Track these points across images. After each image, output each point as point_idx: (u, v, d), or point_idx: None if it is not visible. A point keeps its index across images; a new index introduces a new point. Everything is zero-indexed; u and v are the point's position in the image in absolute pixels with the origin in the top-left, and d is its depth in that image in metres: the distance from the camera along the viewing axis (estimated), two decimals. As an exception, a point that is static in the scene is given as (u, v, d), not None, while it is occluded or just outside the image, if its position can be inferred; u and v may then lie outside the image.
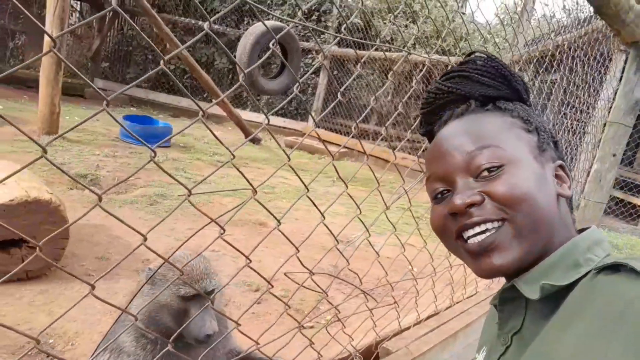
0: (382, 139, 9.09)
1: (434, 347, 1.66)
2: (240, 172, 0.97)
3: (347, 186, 1.32)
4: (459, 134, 0.80)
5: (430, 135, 0.92)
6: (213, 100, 8.64)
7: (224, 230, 0.94)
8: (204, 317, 1.18)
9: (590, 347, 0.58)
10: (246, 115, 9.29)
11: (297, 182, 6.13)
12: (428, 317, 1.86)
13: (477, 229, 0.75)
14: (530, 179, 0.74)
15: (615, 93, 3.97)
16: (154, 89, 10.58)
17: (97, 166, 5.02)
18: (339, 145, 9.12)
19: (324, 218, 1.20)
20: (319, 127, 9.91)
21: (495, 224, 0.73)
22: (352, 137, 1.47)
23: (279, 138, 9.24)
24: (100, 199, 0.77)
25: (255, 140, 8.11)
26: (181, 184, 0.88)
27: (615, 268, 0.63)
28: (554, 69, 3.20)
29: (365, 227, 1.30)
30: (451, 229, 0.79)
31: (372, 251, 1.44)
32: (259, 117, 9.89)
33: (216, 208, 4.49)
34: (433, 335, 1.73)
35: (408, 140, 8.92)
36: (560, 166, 0.81)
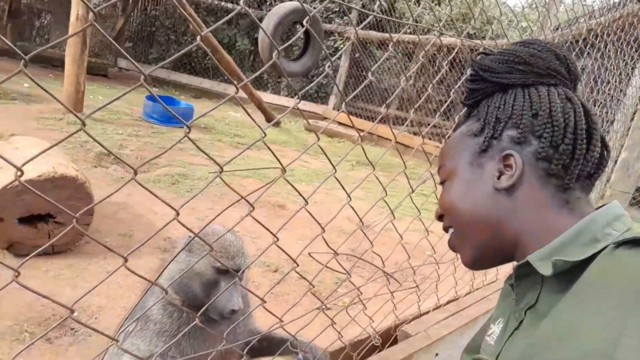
0: (405, 124, 9.01)
1: (453, 332, 1.65)
2: (271, 151, 0.97)
3: (374, 168, 1.31)
4: (440, 150, 0.95)
5: None
6: (235, 81, 8.65)
7: (253, 208, 0.94)
8: (232, 292, 1.21)
9: (607, 321, 0.57)
10: (267, 97, 9.28)
11: (315, 164, 6.13)
12: (448, 302, 1.85)
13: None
14: (457, 190, 0.85)
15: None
16: (176, 69, 10.62)
17: (120, 145, 5.09)
18: (360, 130, 9.06)
19: (350, 199, 1.19)
20: (339, 110, 9.86)
21: (450, 230, 0.89)
22: (380, 120, 1.45)
23: (298, 121, 9.24)
24: (135, 173, 0.78)
25: (275, 123, 8.10)
26: (214, 160, 0.88)
27: (635, 242, 0.62)
28: (586, 52, 3.10)
29: (390, 209, 1.29)
30: None
31: (392, 236, 1.44)
32: (279, 99, 9.88)
33: (237, 188, 4.51)
34: (452, 320, 1.72)
35: (431, 125, 8.83)
36: (508, 155, 0.80)
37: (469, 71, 0.93)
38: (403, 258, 1.85)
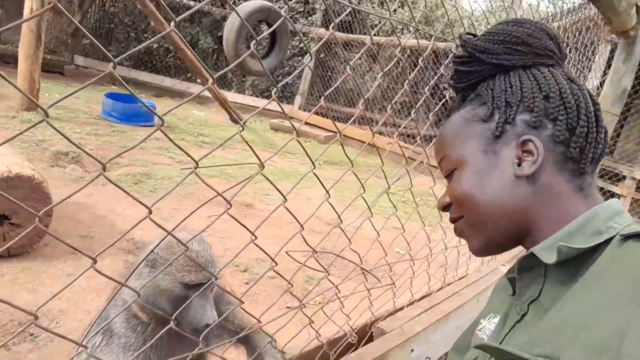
0: (365, 123, 9.07)
1: (426, 328, 1.66)
2: (249, 146, 0.94)
3: (352, 164, 1.29)
4: (436, 141, 0.91)
5: None
6: (198, 80, 8.49)
7: (231, 205, 0.91)
8: (205, 305, 1.15)
9: (615, 312, 0.57)
10: (231, 96, 9.15)
11: (282, 164, 6.08)
12: (421, 298, 1.86)
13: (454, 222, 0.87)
14: (471, 179, 0.81)
15: (601, 83, 4.01)
16: (137, 67, 10.32)
17: (79, 143, 4.88)
18: (325, 129, 9.04)
19: (329, 196, 1.17)
20: (304, 110, 9.83)
21: (458, 220, 0.85)
22: (348, 120, 1.43)
23: (264, 120, 9.16)
24: (104, 169, 0.73)
25: (239, 122, 8.00)
26: (189, 155, 0.84)
27: None
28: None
29: (368, 205, 1.28)
30: None
31: (363, 235, 1.43)
32: (244, 99, 9.77)
33: (205, 187, 4.43)
34: (426, 316, 1.73)
35: (394, 125, 8.95)
36: (527, 141, 0.77)
37: (456, 52, 0.90)
38: (376, 256, 1.85)
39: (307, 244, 1.11)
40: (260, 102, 9.91)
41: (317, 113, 10.02)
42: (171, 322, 0.92)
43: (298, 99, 10.11)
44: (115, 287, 0.89)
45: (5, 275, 2.36)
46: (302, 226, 1.07)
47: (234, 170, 5.24)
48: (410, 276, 1.73)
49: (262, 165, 0.96)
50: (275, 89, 0.98)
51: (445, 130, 0.88)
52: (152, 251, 1.13)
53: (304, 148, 1.08)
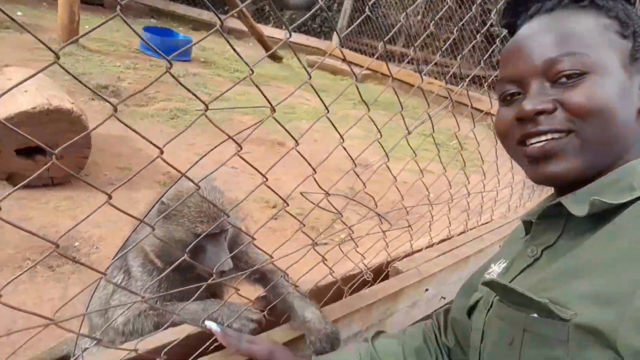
0: (408, 62, 8.77)
1: (444, 269, 1.69)
2: (258, 88, 0.94)
3: (369, 109, 1.27)
4: (543, 33, 0.74)
5: (512, 28, 0.86)
6: (235, 14, 8.32)
7: (241, 148, 0.93)
8: (219, 253, 1.18)
9: (632, 264, 0.57)
10: (268, 31, 8.98)
11: (317, 103, 6.04)
12: (441, 241, 1.88)
13: (543, 138, 0.72)
14: (613, 92, 0.69)
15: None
16: (174, 0, 10.21)
17: (118, 77, 4.99)
18: (363, 67, 8.84)
19: (343, 140, 1.17)
20: (343, 46, 9.57)
21: (562, 135, 0.71)
22: (377, 58, 1.40)
23: (300, 56, 9.00)
24: (115, 110, 0.75)
25: (277, 58, 7.90)
26: (199, 98, 0.85)
27: None
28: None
29: (385, 151, 1.28)
30: (515, 134, 0.77)
31: (390, 176, 1.43)
32: (281, 34, 9.56)
33: (235, 125, 4.49)
34: (444, 258, 1.75)
35: (436, 63, 8.60)
36: None
37: None
38: (400, 198, 1.86)
39: (320, 187, 1.13)
40: (298, 38, 9.69)
41: (355, 50, 9.75)
42: (185, 255, 0.96)
43: (336, 35, 9.82)
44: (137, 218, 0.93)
45: (50, 203, 2.53)
46: (314, 170, 1.08)
47: (266, 109, 5.25)
48: (429, 220, 1.74)
49: (273, 109, 0.95)
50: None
51: (563, 23, 0.74)
52: (166, 204, 1.16)
53: (316, 92, 1.07)
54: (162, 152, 0.85)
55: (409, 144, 1.41)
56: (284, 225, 2.91)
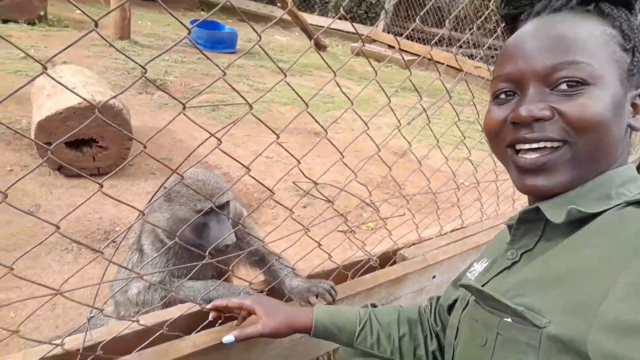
0: (458, 46, 8.55)
1: (453, 257, 1.71)
2: (288, 84, 1.01)
3: (421, 97, 1.32)
4: (548, 36, 0.72)
5: (512, 21, 0.84)
6: (278, 4, 8.43)
7: (278, 137, 1.01)
8: (222, 228, 1.28)
9: (602, 271, 0.59)
10: (313, 19, 9.02)
11: (358, 90, 6.04)
12: (453, 230, 1.90)
13: (535, 145, 0.72)
14: (610, 106, 0.68)
15: None
16: (224, -9, 10.45)
17: (165, 71, 5.24)
18: (408, 52, 8.64)
19: (368, 128, 1.23)
20: (389, 32, 9.46)
21: (555, 144, 0.70)
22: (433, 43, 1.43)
23: (346, 44, 8.99)
24: (184, 108, 0.87)
25: (321, 47, 7.94)
26: (243, 98, 0.94)
27: None
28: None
29: (406, 139, 1.32)
30: (505, 136, 0.76)
31: (427, 164, 1.47)
32: (327, 21, 9.58)
33: (274, 115, 4.61)
34: (454, 246, 1.77)
35: (489, 47, 8.30)
36: None
37: None
38: (435, 186, 1.87)
39: (306, 176, 1.20)
40: (344, 25, 9.68)
41: (400, 34, 9.60)
42: (176, 238, 1.06)
43: (382, 20, 9.72)
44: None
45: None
46: (298, 161, 1.15)
47: (306, 98, 5.33)
48: (441, 208, 1.76)
49: (250, 106, 1.02)
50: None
51: (570, 27, 0.72)
52: (166, 189, 1.28)
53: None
54: (220, 142, 0.94)
55: (431, 131, 1.44)
56: (313, 214, 3.00)
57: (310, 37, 7.66)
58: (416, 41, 9.09)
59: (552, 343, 0.62)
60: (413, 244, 1.74)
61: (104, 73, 4.63)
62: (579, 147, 0.69)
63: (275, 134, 1.02)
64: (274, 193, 1.15)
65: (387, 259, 1.69)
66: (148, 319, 1.19)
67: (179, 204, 1.29)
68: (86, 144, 2.81)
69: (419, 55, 8.23)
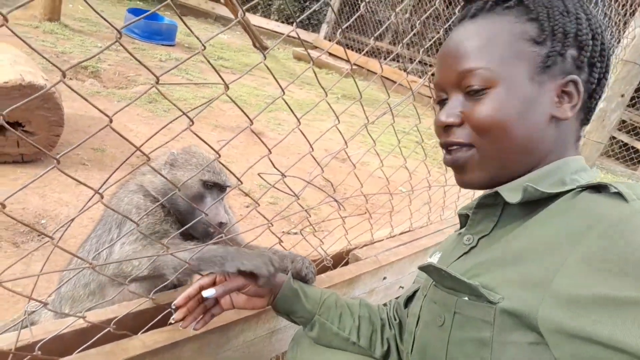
0: (393, 59, 8.80)
1: (402, 259, 1.74)
2: (213, 67, 0.96)
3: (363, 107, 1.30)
4: (460, 43, 0.76)
5: None
6: (221, 0, 8.27)
7: (193, 122, 0.95)
8: (218, 206, 1.25)
9: (554, 250, 0.61)
10: (255, 20, 8.93)
11: (299, 95, 6.05)
12: (402, 233, 1.93)
13: (449, 149, 0.79)
14: (512, 107, 0.71)
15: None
16: (163, -17, 10.07)
17: (98, 58, 4.93)
18: (349, 62, 8.83)
19: (300, 123, 1.20)
20: (330, 40, 9.57)
21: (465, 148, 0.77)
22: (371, 54, 1.42)
23: (287, 48, 8.98)
24: (64, 75, 0.77)
25: (263, 49, 7.87)
26: (221, 78, 0.87)
27: (599, 188, 0.64)
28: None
29: (345, 139, 1.31)
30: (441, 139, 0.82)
31: (367, 169, 1.46)
32: (269, 24, 9.53)
33: (215, 112, 4.48)
34: (404, 249, 1.80)
35: (420, 62, 8.64)
36: (573, 81, 0.73)
37: None
38: (371, 190, 1.89)
39: (276, 168, 1.16)
40: (286, 29, 9.65)
41: (342, 44, 9.73)
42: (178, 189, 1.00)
43: (324, 28, 9.82)
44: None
45: (19, 179, 2.50)
46: (269, 150, 1.11)
47: (248, 97, 5.25)
48: (391, 211, 1.78)
49: (227, 87, 0.98)
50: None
51: (475, 34, 0.75)
52: (174, 153, 1.22)
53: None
54: (111, 121, 0.86)
55: (370, 135, 1.44)
56: (256, 214, 2.93)
57: (252, 37, 7.56)
58: (356, 51, 9.27)
59: (505, 317, 0.64)
60: (365, 245, 1.74)
61: (30, 55, 4.27)
62: (484, 149, 0.75)
63: (190, 119, 0.96)
64: (241, 182, 1.10)
65: (340, 259, 1.68)
66: (92, 316, 1.08)
67: (184, 170, 1.26)
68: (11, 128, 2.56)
69: (359, 66, 8.38)
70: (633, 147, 6.25)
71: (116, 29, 0.78)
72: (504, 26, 0.73)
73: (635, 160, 6.21)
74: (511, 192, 0.74)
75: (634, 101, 6.34)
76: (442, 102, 0.83)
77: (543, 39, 0.72)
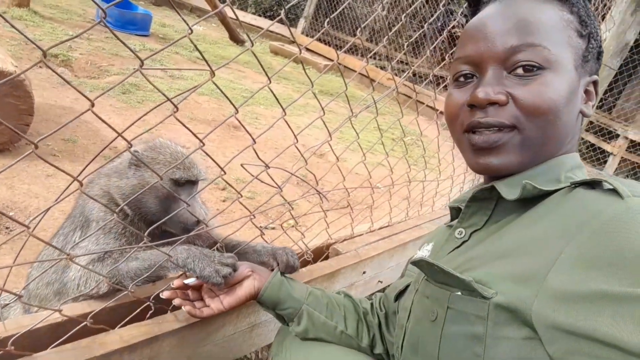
0: (372, 56, 8.83)
1: (382, 254, 1.74)
2: (197, 48, 0.93)
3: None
4: (507, 19, 0.72)
5: (475, 4, 0.84)
6: (198, -8, 8.13)
7: (177, 109, 0.92)
8: (193, 204, 1.17)
9: (549, 245, 0.60)
10: (232, 12, 8.80)
11: (277, 89, 6.00)
12: (381, 228, 1.93)
13: (487, 132, 0.73)
14: (563, 92, 0.70)
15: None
16: (137, -28, 9.83)
17: (69, 47, 4.78)
18: (326, 58, 8.78)
19: (285, 114, 1.19)
20: (307, 35, 9.54)
21: (506, 129, 0.72)
22: (349, 50, 1.42)
23: (264, 42, 8.91)
24: (44, 55, 0.74)
25: (239, 42, 7.79)
26: (208, 65, 0.84)
27: (592, 185, 0.65)
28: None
29: (329, 131, 1.30)
30: (463, 121, 0.77)
31: (344, 165, 1.46)
32: (245, 17, 9.44)
33: (191, 105, 4.41)
34: (383, 243, 1.81)
35: (398, 61, 8.70)
36: (594, 82, 0.76)
37: None
38: (350, 186, 1.88)
39: (260, 159, 1.15)
40: (262, 22, 9.58)
41: (319, 40, 9.71)
42: (119, 210, 0.95)
43: (302, 23, 9.78)
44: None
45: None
46: (254, 140, 1.09)
47: (225, 90, 5.18)
48: (372, 205, 1.78)
49: (212, 73, 0.96)
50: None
51: (529, 10, 0.72)
52: (136, 152, 1.16)
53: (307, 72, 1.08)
54: (92, 105, 0.84)
55: (354, 128, 1.44)
56: (233, 208, 2.90)
57: (229, 30, 7.46)
58: (333, 47, 9.25)
59: (499, 312, 0.63)
60: (345, 239, 1.74)
61: (-2, 40, 4.11)
62: (528, 133, 0.71)
63: (175, 105, 0.93)
64: (225, 172, 1.08)
65: (320, 253, 1.67)
66: (67, 310, 1.05)
67: (152, 170, 1.17)
68: (-24, 116, 2.45)
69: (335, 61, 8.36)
70: (599, 148, 6.44)
71: (101, 8, 0.75)
72: (554, 12, 0.72)
73: (602, 160, 6.40)
74: (509, 188, 0.73)
75: (601, 103, 6.54)
76: (464, 79, 0.78)
77: (586, 34, 0.73)
